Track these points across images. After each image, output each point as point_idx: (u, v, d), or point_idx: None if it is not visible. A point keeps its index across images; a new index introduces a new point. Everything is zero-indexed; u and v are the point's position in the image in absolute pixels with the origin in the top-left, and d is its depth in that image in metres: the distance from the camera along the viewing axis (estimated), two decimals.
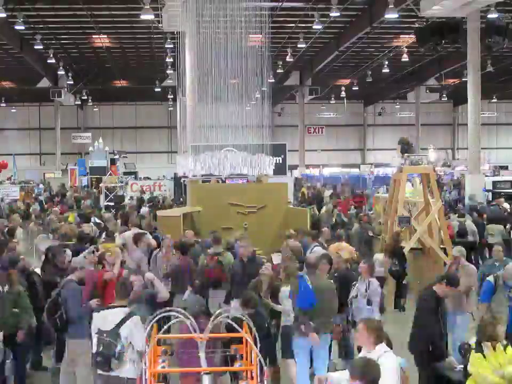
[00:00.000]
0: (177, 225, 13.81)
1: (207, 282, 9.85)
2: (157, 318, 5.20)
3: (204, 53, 18.73)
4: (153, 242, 12.02)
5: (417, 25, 24.65)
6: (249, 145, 17.28)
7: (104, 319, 6.59)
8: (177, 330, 6.35)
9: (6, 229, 14.91)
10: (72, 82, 40.90)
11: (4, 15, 23.87)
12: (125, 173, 36.43)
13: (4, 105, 52.13)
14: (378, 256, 13.14)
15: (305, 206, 21.66)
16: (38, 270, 10.12)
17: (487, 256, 16.39)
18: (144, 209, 20.65)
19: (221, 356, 5.70)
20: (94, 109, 55.38)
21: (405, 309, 12.77)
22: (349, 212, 21.85)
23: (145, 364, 4.90)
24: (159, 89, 44.64)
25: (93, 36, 32.85)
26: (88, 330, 6.95)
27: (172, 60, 31.40)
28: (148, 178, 39.79)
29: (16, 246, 11.21)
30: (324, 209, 21.85)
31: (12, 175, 41.33)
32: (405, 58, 33.89)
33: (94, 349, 6.53)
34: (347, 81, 45.60)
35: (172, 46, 26.97)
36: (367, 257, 12.29)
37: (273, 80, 35.17)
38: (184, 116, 22.76)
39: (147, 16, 22.79)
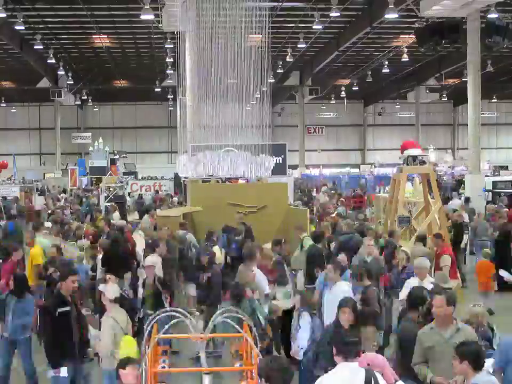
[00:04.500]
0: (177, 225, 13.84)
1: None
2: (157, 318, 5.20)
3: (204, 53, 18.70)
4: None
5: (417, 25, 24.64)
6: (249, 145, 17.26)
7: None
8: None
9: None
10: (72, 82, 40.87)
11: (3, 15, 23.87)
12: (125, 173, 36.44)
13: (4, 105, 52.18)
14: None
15: None
16: None
17: None
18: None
19: None
20: (94, 109, 55.39)
21: None
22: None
23: (145, 363, 4.89)
24: (159, 89, 44.66)
25: (93, 36, 32.84)
26: None
27: (172, 59, 31.39)
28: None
29: None
30: None
31: (12, 175, 41.31)
32: (405, 58, 33.90)
33: None
34: (347, 81, 45.59)
35: (172, 46, 26.96)
36: None
37: (273, 80, 35.15)
38: (184, 116, 22.73)
39: (147, 16, 22.78)
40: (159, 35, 29.41)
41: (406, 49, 33.32)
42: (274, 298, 9.68)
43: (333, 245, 12.40)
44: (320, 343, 6.83)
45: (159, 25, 24.74)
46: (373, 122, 58.70)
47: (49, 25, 29.99)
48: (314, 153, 53.81)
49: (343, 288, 8.06)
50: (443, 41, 22.79)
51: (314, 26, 26.73)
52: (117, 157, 37.36)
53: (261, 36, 19.60)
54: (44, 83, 40.79)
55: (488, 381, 5.35)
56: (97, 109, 55.42)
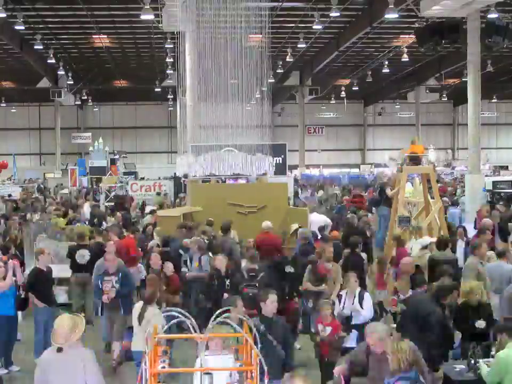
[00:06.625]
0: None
1: None
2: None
3: (204, 53, 18.72)
4: None
5: (417, 25, 24.62)
6: (249, 145, 17.28)
7: None
8: None
9: None
10: (72, 82, 40.85)
11: (3, 15, 23.85)
12: (125, 173, 36.41)
13: (4, 105, 52.18)
14: None
15: None
16: None
17: None
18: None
19: None
20: (94, 109, 55.41)
21: None
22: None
23: (145, 363, 4.88)
24: (159, 89, 44.65)
25: (93, 36, 32.84)
26: None
27: (172, 59, 31.38)
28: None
29: None
30: None
31: (12, 175, 41.35)
32: (405, 58, 33.88)
33: None
34: (347, 81, 45.60)
35: (172, 46, 26.96)
36: None
37: (273, 80, 35.14)
38: (184, 116, 22.73)
39: (147, 16, 22.76)
40: (159, 35, 29.40)
41: (406, 49, 33.29)
42: None
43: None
44: None
45: (159, 25, 24.70)
46: (373, 122, 58.72)
47: (49, 25, 29.99)
48: (315, 153, 53.83)
49: None
50: (443, 41, 22.73)
51: (314, 26, 26.72)
52: (117, 157, 37.33)
53: (261, 35, 19.62)
54: (44, 83, 40.78)
55: None
56: (97, 109, 55.43)
